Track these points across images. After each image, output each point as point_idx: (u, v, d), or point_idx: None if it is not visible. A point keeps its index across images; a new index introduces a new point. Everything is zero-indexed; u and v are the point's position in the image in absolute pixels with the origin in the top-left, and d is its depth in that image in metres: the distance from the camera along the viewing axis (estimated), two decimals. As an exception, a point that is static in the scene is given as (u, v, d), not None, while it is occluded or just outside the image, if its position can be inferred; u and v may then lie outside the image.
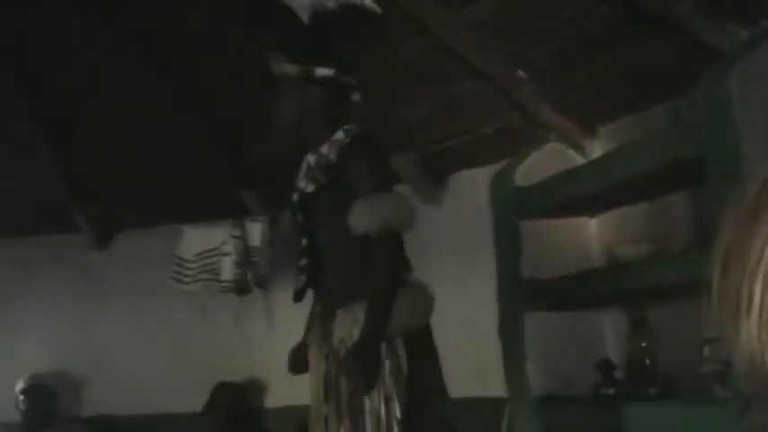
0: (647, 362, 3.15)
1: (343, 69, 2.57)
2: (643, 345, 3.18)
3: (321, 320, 2.61)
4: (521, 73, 3.66)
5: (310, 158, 2.58)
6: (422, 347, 2.54)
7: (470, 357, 4.03)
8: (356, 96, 2.62)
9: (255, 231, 4.68)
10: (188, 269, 4.74)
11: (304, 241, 2.60)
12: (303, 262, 2.60)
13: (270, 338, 4.60)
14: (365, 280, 2.45)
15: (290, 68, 2.52)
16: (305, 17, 2.54)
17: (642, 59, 3.27)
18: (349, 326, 2.45)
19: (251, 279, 4.67)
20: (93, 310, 5.21)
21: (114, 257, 5.22)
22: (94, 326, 5.20)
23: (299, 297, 2.65)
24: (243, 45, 3.93)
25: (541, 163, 3.75)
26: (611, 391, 3.23)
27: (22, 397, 4.95)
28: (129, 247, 5.17)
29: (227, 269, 4.63)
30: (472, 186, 4.26)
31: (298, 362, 2.73)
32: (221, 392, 4.80)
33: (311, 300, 2.81)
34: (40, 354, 5.18)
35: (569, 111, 3.72)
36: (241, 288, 4.66)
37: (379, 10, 2.59)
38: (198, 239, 4.77)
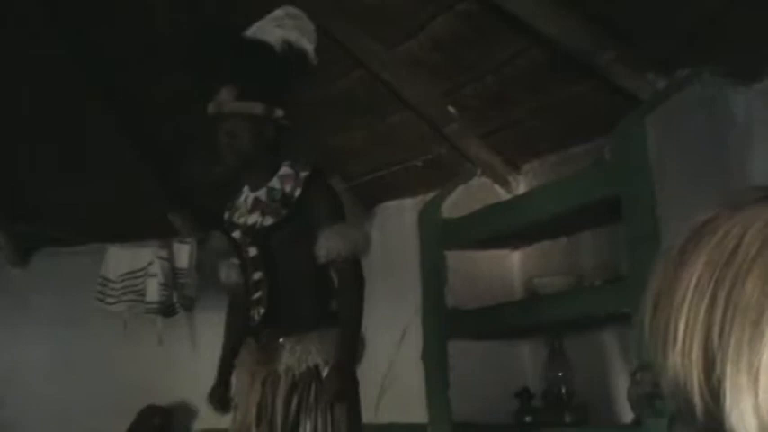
0: (564, 390, 3.28)
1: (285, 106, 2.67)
2: (560, 374, 3.31)
3: (261, 348, 2.66)
4: (451, 109, 3.79)
5: (259, 194, 2.64)
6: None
7: (393, 383, 4.10)
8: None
9: (183, 253, 4.67)
10: (112, 289, 4.69)
11: (257, 275, 2.65)
12: (258, 295, 2.65)
13: (194, 361, 4.58)
14: (324, 307, 2.61)
15: (256, 107, 2.59)
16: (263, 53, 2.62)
17: (567, 101, 3.43)
18: (299, 354, 2.54)
19: (177, 301, 4.65)
20: (11, 329, 5.08)
21: (35, 275, 5.12)
22: (11, 344, 5.06)
23: (255, 331, 2.69)
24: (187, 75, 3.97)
25: (468, 196, 3.88)
26: (528, 419, 3.35)
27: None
28: (51, 265, 5.07)
29: (153, 290, 4.60)
30: (400, 216, 4.36)
31: (222, 404, 2.79)
32: (148, 416, 4.74)
33: (221, 331, 2.89)
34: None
35: (496, 146, 3.86)
36: (167, 310, 4.63)
37: (315, 61, 2.72)
38: (123, 259, 4.73)
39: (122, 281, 4.68)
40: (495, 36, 3.37)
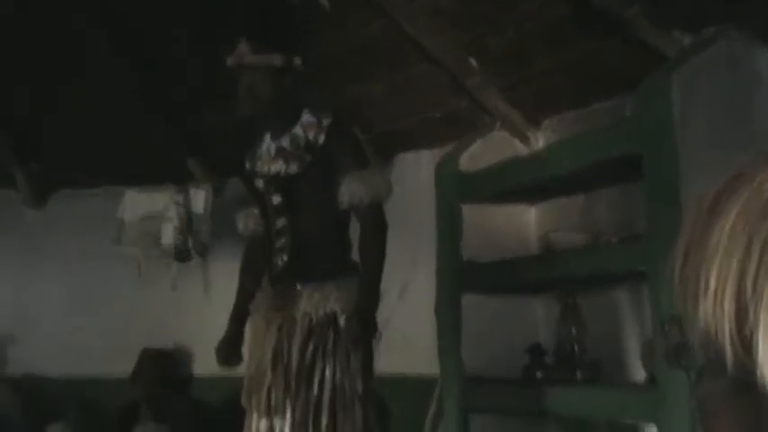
0: (576, 348, 3.28)
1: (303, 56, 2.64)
2: (572, 331, 3.31)
3: (277, 294, 2.67)
4: (472, 61, 3.74)
5: (282, 142, 2.62)
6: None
7: (404, 334, 4.12)
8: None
9: (199, 198, 4.68)
10: (128, 232, 4.71)
11: (281, 222, 2.66)
12: (282, 242, 2.66)
13: (206, 307, 4.62)
14: (343, 256, 2.67)
15: (275, 59, 2.56)
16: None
17: (590, 57, 3.38)
18: (317, 301, 2.55)
19: (191, 246, 4.67)
20: (26, 269, 5.14)
21: (51, 217, 5.15)
22: (26, 284, 5.13)
23: (277, 277, 2.70)
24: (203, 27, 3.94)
25: (486, 150, 3.85)
26: (539, 375, 3.36)
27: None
28: (68, 206, 5.10)
29: (168, 234, 4.63)
30: (417, 168, 4.34)
31: (232, 354, 2.79)
32: (147, 359, 4.79)
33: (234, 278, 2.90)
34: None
35: (516, 101, 3.82)
36: (181, 255, 4.66)
37: (328, 7, 2.69)
38: (140, 203, 4.74)
39: (138, 224, 4.70)
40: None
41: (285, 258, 2.66)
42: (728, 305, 0.59)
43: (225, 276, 4.63)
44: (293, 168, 2.60)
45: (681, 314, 0.64)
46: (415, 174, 4.32)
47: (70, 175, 4.97)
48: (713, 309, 0.60)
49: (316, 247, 2.65)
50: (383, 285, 4.33)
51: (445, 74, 3.87)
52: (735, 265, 0.59)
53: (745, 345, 0.57)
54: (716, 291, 0.60)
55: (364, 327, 2.47)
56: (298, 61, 2.61)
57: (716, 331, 0.59)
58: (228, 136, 4.63)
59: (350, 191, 2.52)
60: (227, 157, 4.84)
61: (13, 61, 4.55)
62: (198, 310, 4.78)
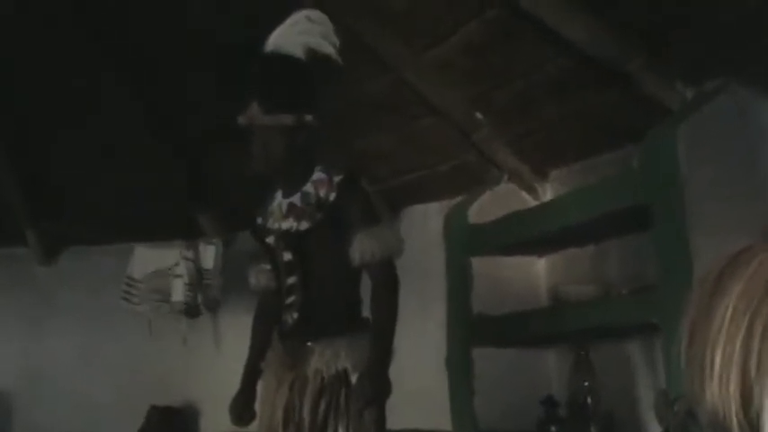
0: (589, 400, 3.26)
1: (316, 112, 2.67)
2: (585, 383, 3.29)
3: (288, 352, 2.66)
4: (478, 115, 3.78)
5: (293, 199, 2.64)
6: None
7: (416, 389, 4.09)
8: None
9: (208, 254, 4.70)
10: (138, 289, 4.72)
11: (292, 279, 2.66)
12: (292, 299, 2.66)
13: (217, 363, 4.61)
14: (354, 312, 2.64)
15: (286, 119, 2.59)
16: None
17: (596, 109, 3.42)
18: (328, 358, 2.53)
19: (201, 302, 4.68)
20: (37, 327, 5.14)
21: (62, 274, 5.17)
22: (36, 340, 5.12)
23: (288, 335, 2.69)
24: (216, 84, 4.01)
25: (494, 202, 3.87)
26: (553, 429, 3.33)
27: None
28: (78, 263, 5.13)
29: (179, 291, 4.64)
30: (425, 220, 4.35)
31: (245, 411, 2.77)
32: (155, 416, 4.76)
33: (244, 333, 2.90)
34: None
35: (523, 153, 3.85)
36: (191, 310, 4.66)
37: (339, 62, 2.70)
38: (149, 259, 4.76)
39: (148, 281, 4.72)
40: (524, 42, 3.36)
41: (295, 315, 2.65)
42: (734, 387, 0.59)
43: (235, 331, 4.60)
44: (304, 225, 2.61)
45: (689, 392, 0.65)
46: (424, 226, 4.33)
47: (80, 232, 5.01)
48: (719, 391, 0.60)
49: (326, 304, 2.64)
50: (402, 342, 4.34)
51: (453, 127, 3.91)
52: (738, 347, 0.60)
53: (753, 427, 0.58)
54: (721, 373, 0.60)
55: (377, 387, 2.45)
56: (310, 119, 2.63)
57: (723, 413, 0.60)
58: (238, 191, 4.68)
59: (361, 248, 2.52)
60: (236, 212, 4.90)
61: (27, 121, 4.62)
62: (208, 366, 4.76)
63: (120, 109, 4.51)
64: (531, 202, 3.87)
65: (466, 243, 3.68)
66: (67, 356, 5.07)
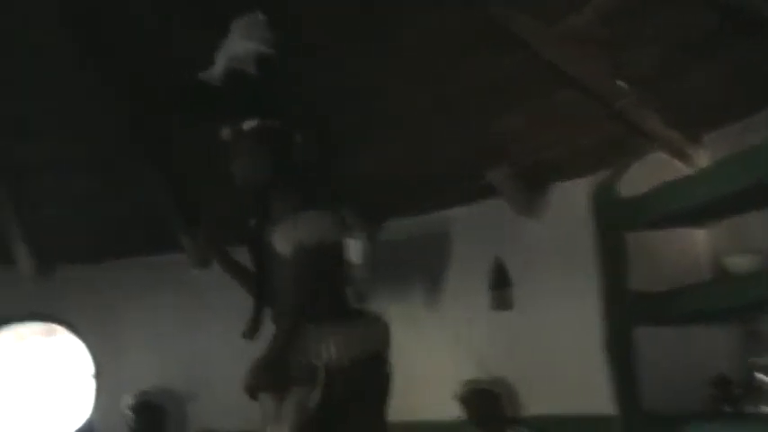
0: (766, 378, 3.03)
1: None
2: (760, 359, 3.06)
3: None
4: (621, 83, 3.59)
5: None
6: None
7: (575, 374, 3.96)
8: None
9: (356, 248, 4.70)
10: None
11: None
12: None
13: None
14: None
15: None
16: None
17: (749, 65, 3.17)
18: None
19: (350, 296, 4.68)
20: (199, 328, 5.33)
21: (217, 276, 5.32)
22: (200, 343, 5.32)
23: None
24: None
25: (644, 173, 3.67)
26: (728, 409, 3.12)
27: (131, 414, 5.09)
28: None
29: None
30: (570, 198, 4.20)
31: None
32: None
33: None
34: (147, 371, 5.33)
35: (673, 119, 3.63)
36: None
37: (278, 65, 2.63)
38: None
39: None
40: (663, 4, 3.15)
41: None
42: None
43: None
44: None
45: None
46: (569, 204, 4.18)
47: (228, 236, 5.13)
48: None
49: None
50: (547, 325, 4.23)
51: (593, 99, 3.73)
52: None
53: None
54: None
55: None
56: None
57: None
58: (380, 183, 4.68)
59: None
60: (377, 204, 4.90)
61: (171, 131, 4.78)
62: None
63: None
64: (684, 170, 3.64)
65: (617, 218, 3.49)
66: (228, 355, 5.22)
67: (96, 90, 4.48)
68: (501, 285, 4.53)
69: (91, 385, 5.50)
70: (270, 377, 2.47)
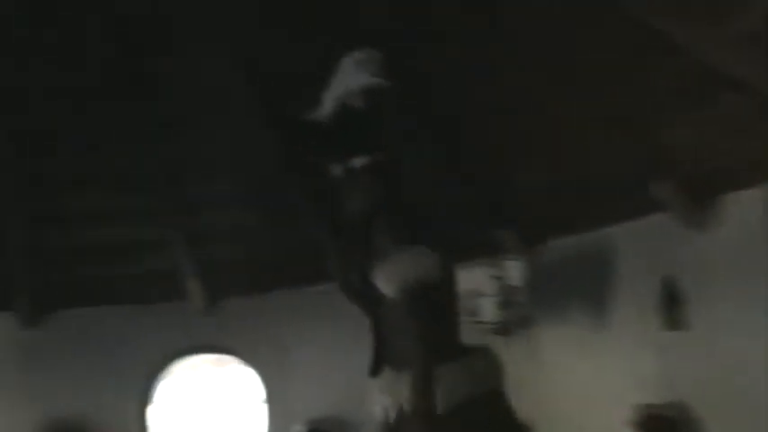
0: None
1: None
2: None
3: None
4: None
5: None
6: None
7: (763, 397, 3.71)
8: None
9: (515, 270, 4.65)
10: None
11: None
12: None
13: (539, 377, 4.49)
14: None
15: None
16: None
17: None
18: None
19: (512, 320, 4.62)
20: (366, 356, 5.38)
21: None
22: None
23: None
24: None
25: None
26: None
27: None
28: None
29: (488, 310, 4.62)
30: (744, 209, 3.98)
31: None
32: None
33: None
34: (316, 398, 5.43)
35: None
36: (503, 329, 4.61)
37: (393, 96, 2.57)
38: (459, 280, 4.79)
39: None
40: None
41: None
42: None
43: (554, 344, 4.52)
44: None
45: None
46: (743, 215, 3.95)
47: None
48: None
49: None
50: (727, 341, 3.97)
51: (763, 103, 3.51)
52: None
53: None
54: None
55: None
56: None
57: None
58: (539, 204, 4.60)
59: None
60: (537, 225, 4.81)
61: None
62: (528, 383, 4.66)
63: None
64: None
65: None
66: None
67: (263, 130, 4.67)
68: (672, 304, 4.31)
69: (263, 411, 5.68)
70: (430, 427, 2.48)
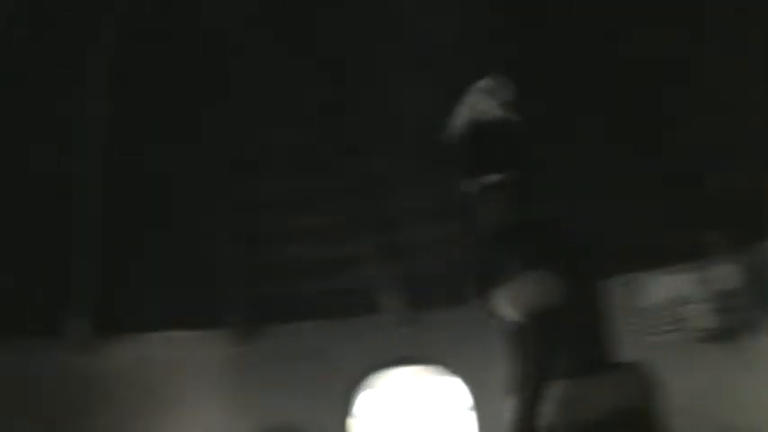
0: None
1: None
2: None
3: None
4: None
5: None
6: None
7: None
8: None
9: (726, 274, 4.35)
10: (651, 319, 4.55)
11: None
12: None
13: (759, 391, 4.17)
14: None
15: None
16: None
17: None
18: None
19: (733, 326, 4.32)
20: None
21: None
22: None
23: None
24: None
25: None
26: None
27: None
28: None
29: (699, 317, 4.36)
30: None
31: None
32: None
33: None
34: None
35: None
36: (723, 336, 4.33)
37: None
38: (663, 286, 4.57)
39: (665, 309, 4.52)
40: None
41: None
42: None
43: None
44: None
45: None
46: None
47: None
48: None
49: None
50: None
51: None
52: None
53: None
54: None
55: None
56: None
57: None
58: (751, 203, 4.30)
59: None
60: (748, 225, 4.47)
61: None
62: (743, 396, 4.33)
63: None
64: None
65: None
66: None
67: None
68: None
69: (470, 419, 5.69)
70: None
